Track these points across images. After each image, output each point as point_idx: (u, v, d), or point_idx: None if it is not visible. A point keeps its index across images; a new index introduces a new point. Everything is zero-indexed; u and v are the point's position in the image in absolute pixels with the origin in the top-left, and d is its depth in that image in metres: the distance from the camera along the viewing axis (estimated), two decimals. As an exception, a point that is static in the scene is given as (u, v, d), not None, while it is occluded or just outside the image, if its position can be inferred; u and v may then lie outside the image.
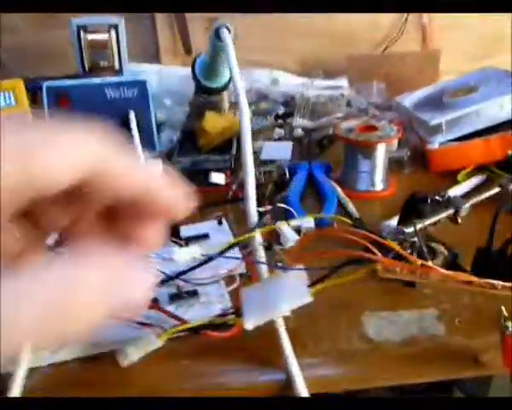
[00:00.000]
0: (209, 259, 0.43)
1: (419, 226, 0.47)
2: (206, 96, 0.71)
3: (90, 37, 0.77)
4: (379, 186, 0.66)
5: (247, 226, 0.44)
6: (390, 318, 0.44)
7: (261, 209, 0.56)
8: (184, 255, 0.44)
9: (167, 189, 0.20)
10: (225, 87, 0.68)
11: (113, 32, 0.77)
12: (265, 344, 0.40)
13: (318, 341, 0.42)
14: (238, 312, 0.40)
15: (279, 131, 0.82)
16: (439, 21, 1.05)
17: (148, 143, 0.72)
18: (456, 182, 0.67)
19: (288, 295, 0.36)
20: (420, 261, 0.33)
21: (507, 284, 0.32)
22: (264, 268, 0.40)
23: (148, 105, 0.78)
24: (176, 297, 0.46)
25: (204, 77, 0.68)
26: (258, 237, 0.39)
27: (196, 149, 0.71)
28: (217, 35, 0.49)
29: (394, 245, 0.34)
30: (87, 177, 0.18)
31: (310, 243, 0.48)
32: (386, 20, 1.05)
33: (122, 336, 0.41)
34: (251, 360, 0.41)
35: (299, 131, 0.82)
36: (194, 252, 0.44)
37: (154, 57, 0.99)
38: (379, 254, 0.33)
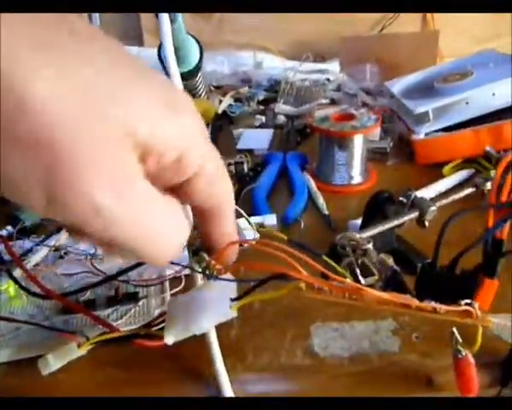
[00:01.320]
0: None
1: (381, 229, 0.43)
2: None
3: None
4: (356, 179, 0.62)
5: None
6: (341, 330, 0.40)
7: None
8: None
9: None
10: (194, 72, 0.64)
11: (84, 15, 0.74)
12: (200, 355, 0.37)
13: (259, 353, 0.39)
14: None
15: (260, 118, 0.78)
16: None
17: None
18: (442, 176, 0.63)
19: (210, 309, 0.33)
20: (348, 280, 0.29)
21: (451, 307, 0.28)
22: (196, 276, 0.37)
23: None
24: (113, 300, 0.43)
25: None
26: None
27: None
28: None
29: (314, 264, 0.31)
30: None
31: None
32: (383, -2, 0.98)
33: (47, 342, 0.39)
34: (182, 371, 0.38)
35: (281, 118, 0.77)
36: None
37: (137, 38, 0.94)
38: (303, 271, 0.29)
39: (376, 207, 0.44)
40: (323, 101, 0.78)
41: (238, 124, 0.78)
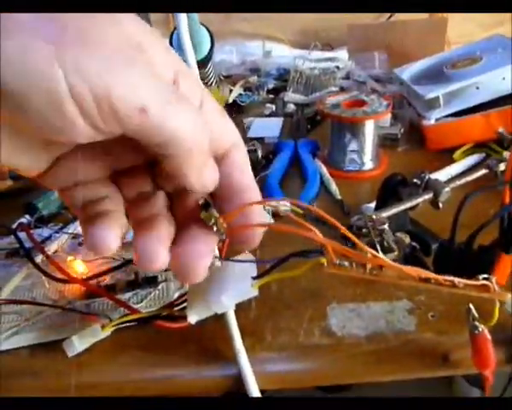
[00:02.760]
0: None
1: (395, 211, 0.43)
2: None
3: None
4: (368, 165, 0.62)
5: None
6: (358, 310, 0.41)
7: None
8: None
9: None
10: (205, 61, 0.65)
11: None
12: (220, 335, 0.38)
13: (277, 333, 0.40)
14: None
15: (270, 107, 0.78)
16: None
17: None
18: (453, 160, 0.63)
19: (231, 287, 0.34)
20: (370, 254, 0.30)
21: (470, 281, 0.29)
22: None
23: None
24: (133, 285, 0.44)
25: (181, 52, 0.64)
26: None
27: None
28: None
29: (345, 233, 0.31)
30: None
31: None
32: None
33: (70, 325, 0.40)
34: (203, 352, 0.39)
35: (291, 107, 0.78)
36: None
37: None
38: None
39: (390, 190, 0.45)
40: (333, 89, 0.78)
41: (248, 113, 0.79)
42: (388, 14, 1.00)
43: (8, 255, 0.49)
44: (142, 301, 0.42)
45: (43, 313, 0.42)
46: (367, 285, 0.43)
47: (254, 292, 0.33)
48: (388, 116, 0.66)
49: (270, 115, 0.78)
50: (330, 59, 0.85)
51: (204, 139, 0.20)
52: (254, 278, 0.33)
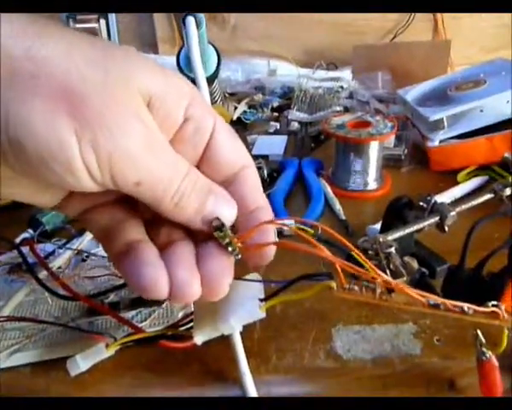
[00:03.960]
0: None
1: (401, 234, 0.43)
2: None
3: (79, 26, 0.75)
4: (372, 185, 0.62)
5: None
6: (363, 332, 0.41)
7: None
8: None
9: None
10: (211, 79, 0.65)
11: (102, 22, 0.75)
12: (224, 355, 0.37)
13: (282, 355, 0.39)
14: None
15: (274, 125, 0.79)
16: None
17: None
18: (456, 182, 0.63)
19: (238, 309, 0.33)
20: (380, 278, 0.30)
21: (479, 308, 0.28)
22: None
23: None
24: (137, 303, 0.43)
25: (188, 69, 0.65)
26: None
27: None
28: (184, 24, 0.46)
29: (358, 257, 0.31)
30: None
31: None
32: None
33: (73, 344, 0.40)
34: (208, 373, 0.38)
35: (295, 125, 0.78)
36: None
37: (152, 47, 0.96)
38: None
39: (396, 212, 0.45)
40: (337, 108, 0.79)
41: (252, 130, 0.79)
42: (392, 36, 1.01)
43: (11, 270, 0.49)
44: (145, 320, 0.42)
45: (46, 330, 0.41)
46: (372, 308, 0.43)
47: (262, 314, 0.33)
48: (392, 137, 0.66)
49: (274, 133, 0.78)
50: (334, 79, 0.86)
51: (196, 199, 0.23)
52: (262, 300, 0.33)
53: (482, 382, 0.34)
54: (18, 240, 0.54)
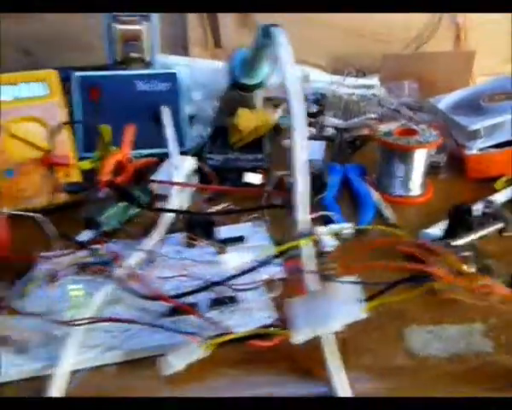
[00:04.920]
0: (260, 264, 0.42)
1: (466, 241, 0.46)
2: (240, 92, 0.70)
3: (123, 27, 0.76)
4: (415, 192, 0.65)
5: (289, 232, 0.43)
6: (436, 332, 0.43)
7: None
8: (234, 261, 0.44)
9: None
10: (262, 85, 0.67)
11: (145, 24, 0.76)
12: (310, 353, 0.39)
13: (361, 354, 0.41)
14: (284, 322, 0.39)
15: (310, 130, 0.81)
16: (473, 20, 1.02)
17: (177, 138, 0.71)
18: (493, 190, 0.66)
19: (339, 310, 0.35)
20: (480, 279, 0.32)
21: None
22: (313, 279, 0.39)
23: (178, 99, 0.77)
24: (216, 303, 0.45)
25: (243, 73, 0.67)
26: (309, 245, 0.39)
27: (228, 147, 0.70)
28: (266, 34, 0.48)
29: (453, 261, 0.33)
30: None
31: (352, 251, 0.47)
32: (419, 18, 1.03)
33: (163, 343, 0.41)
34: (295, 370, 0.40)
35: (330, 131, 0.80)
36: (243, 257, 0.44)
37: (183, 49, 0.97)
38: (440, 270, 0.32)
39: (459, 219, 0.47)
40: (372, 115, 0.81)
41: (287, 136, 0.81)
42: (415, 46, 1.04)
43: (83, 269, 0.49)
44: (229, 320, 0.43)
45: (130, 330, 0.42)
46: (440, 308, 0.45)
47: (363, 315, 0.35)
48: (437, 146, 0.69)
49: (309, 139, 0.80)
50: (367, 86, 0.88)
51: None
52: (364, 301, 0.35)
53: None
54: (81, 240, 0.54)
